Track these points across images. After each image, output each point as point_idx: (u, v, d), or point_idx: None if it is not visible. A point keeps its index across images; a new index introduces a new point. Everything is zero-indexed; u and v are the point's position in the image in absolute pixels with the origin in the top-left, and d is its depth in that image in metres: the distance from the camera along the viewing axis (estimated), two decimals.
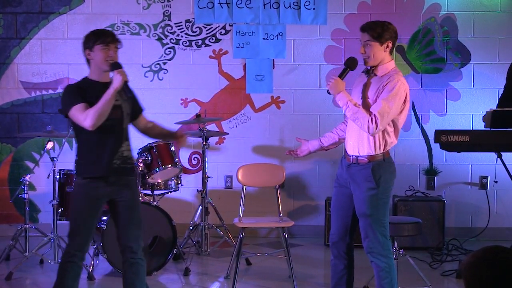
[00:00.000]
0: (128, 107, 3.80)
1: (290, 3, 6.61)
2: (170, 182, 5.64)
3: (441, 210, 6.13)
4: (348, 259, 3.98)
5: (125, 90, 3.68)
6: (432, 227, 6.08)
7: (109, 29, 6.71)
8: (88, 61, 3.77)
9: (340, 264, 3.97)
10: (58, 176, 5.45)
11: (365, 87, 3.84)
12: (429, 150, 6.65)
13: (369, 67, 3.86)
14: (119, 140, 3.74)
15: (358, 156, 3.82)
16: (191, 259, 5.65)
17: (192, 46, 6.76)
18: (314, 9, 6.60)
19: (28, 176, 5.51)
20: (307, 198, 6.79)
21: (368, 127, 3.69)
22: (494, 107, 5.29)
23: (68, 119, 3.81)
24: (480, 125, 5.36)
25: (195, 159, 6.80)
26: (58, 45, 6.78)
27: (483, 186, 6.59)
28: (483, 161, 6.51)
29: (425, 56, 6.64)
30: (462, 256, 5.74)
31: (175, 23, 6.75)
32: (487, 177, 6.56)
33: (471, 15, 6.59)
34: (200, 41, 6.75)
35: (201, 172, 6.08)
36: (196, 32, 6.75)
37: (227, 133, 6.56)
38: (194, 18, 6.72)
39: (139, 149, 5.45)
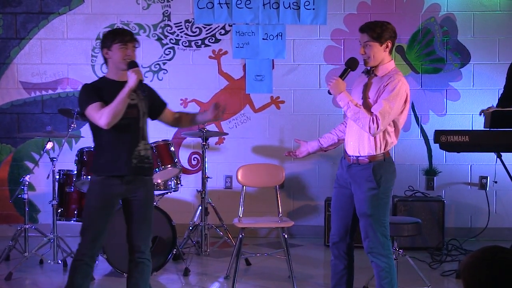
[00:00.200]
0: (145, 106, 3.80)
1: (289, 3, 6.61)
2: (169, 182, 5.63)
3: (440, 210, 6.13)
4: (348, 259, 3.98)
5: (141, 89, 3.67)
6: (432, 227, 6.08)
7: (109, 29, 6.73)
8: (105, 60, 3.78)
9: (340, 264, 3.97)
10: (57, 177, 5.45)
11: (366, 88, 3.84)
12: (429, 150, 6.65)
13: (369, 68, 3.87)
14: (135, 139, 3.73)
15: (358, 157, 3.81)
16: (190, 259, 5.65)
17: (192, 46, 6.76)
18: (313, 9, 6.60)
19: (28, 176, 5.51)
20: (306, 198, 6.79)
21: (370, 128, 3.69)
22: (495, 105, 5.30)
23: (85, 118, 3.79)
24: (479, 125, 5.36)
25: (195, 159, 6.81)
26: (57, 45, 6.78)
27: (482, 186, 6.59)
28: (483, 161, 6.51)
29: (424, 56, 6.64)
30: (462, 256, 5.73)
31: (174, 23, 6.75)
32: (487, 177, 6.56)
33: (470, 15, 6.59)
34: (199, 41, 6.75)
35: (200, 172, 6.09)
36: (195, 32, 6.75)
37: (226, 133, 6.56)
38: (193, 18, 6.72)
39: None
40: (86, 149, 5.21)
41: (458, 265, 5.35)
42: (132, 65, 3.67)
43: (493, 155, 5.42)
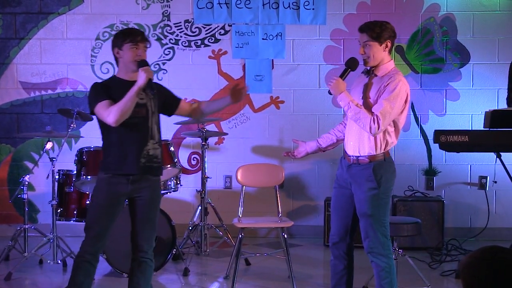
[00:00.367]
0: (155, 105, 3.80)
1: (289, 3, 6.61)
2: (169, 182, 5.63)
3: (440, 210, 6.13)
4: (348, 259, 3.97)
5: (150, 88, 3.67)
6: (432, 227, 6.08)
7: (108, 29, 6.74)
8: (116, 59, 3.78)
9: (340, 264, 3.97)
10: (57, 177, 5.45)
11: (366, 88, 3.84)
12: (429, 150, 6.65)
13: (369, 68, 3.87)
14: (144, 138, 3.74)
15: (358, 157, 3.81)
16: (190, 259, 5.65)
17: (191, 46, 6.76)
18: (313, 9, 6.60)
19: (27, 176, 5.50)
20: (306, 198, 6.79)
21: (370, 127, 3.69)
22: (494, 108, 5.29)
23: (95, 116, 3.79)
24: (479, 125, 5.36)
25: (194, 159, 6.80)
26: (57, 45, 6.78)
27: (482, 186, 6.59)
28: (483, 161, 6.51)
29: (424, 56, 6.64)
30: (462, 256, 5.73)
31: (174, 23, 6.75)
32: (487, 177, 6.56)
33: (470, 15, 6.59)
34: (199, 41, 6.75)
35: (200, 172, 6.09)
36: (195, 32, 6.75)
37: (226, 133, 6.56)
38: (193, 18, 6.72)
39: None
40: (86, 149, 5.20)
41: (457, 265, 5.35)
42: (143, 64, 3.67)
43: (492, 155, 5.42)
